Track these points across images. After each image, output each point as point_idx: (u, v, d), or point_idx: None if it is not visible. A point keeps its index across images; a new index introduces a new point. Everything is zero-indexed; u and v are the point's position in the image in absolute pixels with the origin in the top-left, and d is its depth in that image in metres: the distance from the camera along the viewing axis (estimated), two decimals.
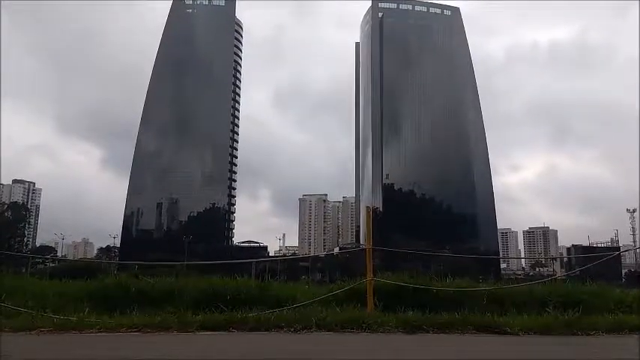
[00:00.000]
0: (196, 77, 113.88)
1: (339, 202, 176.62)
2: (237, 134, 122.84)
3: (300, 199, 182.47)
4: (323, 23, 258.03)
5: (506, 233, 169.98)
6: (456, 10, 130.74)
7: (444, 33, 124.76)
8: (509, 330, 5.42)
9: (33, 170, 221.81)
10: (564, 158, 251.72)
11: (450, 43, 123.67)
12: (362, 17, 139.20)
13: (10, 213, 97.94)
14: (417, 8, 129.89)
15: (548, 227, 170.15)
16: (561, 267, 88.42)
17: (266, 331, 5.18)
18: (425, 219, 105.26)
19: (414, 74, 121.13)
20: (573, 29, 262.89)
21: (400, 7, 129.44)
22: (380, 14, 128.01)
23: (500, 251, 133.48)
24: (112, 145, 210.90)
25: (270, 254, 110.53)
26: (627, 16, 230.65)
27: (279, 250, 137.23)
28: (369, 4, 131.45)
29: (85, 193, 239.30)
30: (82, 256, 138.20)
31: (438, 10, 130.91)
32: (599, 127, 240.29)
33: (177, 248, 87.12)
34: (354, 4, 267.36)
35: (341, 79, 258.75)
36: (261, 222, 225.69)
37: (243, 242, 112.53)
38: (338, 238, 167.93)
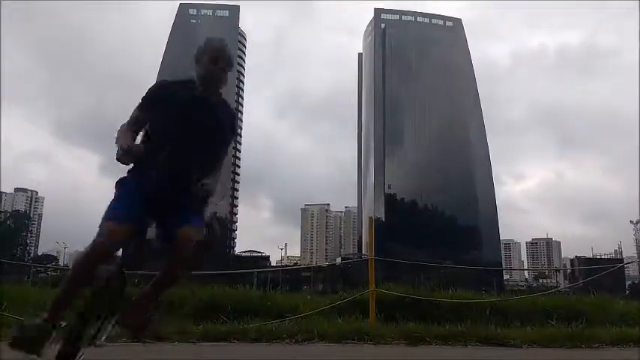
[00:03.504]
0: None
1: (342, 212, 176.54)
2: (240, 143, 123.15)
3: (302, 208, 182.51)
4: (326, 33, 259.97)
5: (509, 244, 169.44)
6: (457, 22, 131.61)
7: (446, 44, 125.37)
8: (512, 342, 5.39)
9: (34, 178, 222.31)
10: (568, 167, 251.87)
11: (452, 54, 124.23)
12: (364, 28, 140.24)
13: (11, 221, 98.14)
14: (419, 19, 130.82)
15: (551, 238, 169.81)
16: (565, 278, 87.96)
17: (267, 342, 5.16)
18: (427, 230, 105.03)
19: (417, 85, 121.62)
20: (582, 33, 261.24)
21: (402, 18, 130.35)
22: (382, 25, 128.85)
23: (503, 262, 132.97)
24: (112, 152, 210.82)
25: (271, 264, 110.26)
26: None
27: (281, 260, 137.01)
28: (372, 15, 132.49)
29: (87, 201, 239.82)
30: None
31: (440, 22, 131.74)
32: (605, 135, 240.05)
33: None
34: (357, 14, 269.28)
35: (344, 88, 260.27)
36: (263, 231, 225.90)
37: (244, 252, 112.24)
38: (340, 248, 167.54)
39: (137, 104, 2.87)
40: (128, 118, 2.84)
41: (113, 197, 2.68)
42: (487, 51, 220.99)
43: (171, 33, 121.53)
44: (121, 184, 2.76)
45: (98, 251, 2.53)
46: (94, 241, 2.51)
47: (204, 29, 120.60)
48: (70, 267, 2.70)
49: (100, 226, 2.52)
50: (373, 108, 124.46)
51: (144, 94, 2.89)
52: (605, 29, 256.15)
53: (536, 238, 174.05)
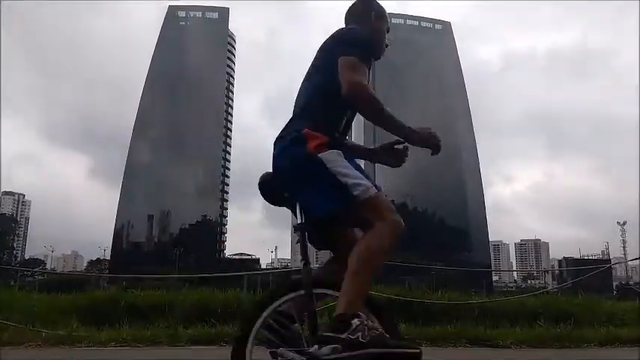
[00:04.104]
0: (189, 89, 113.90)
1: None
2: (230, 145, 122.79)
3: None
4: (316, 35, 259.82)
5: (498, 246, 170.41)
6: (447, 25, 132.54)
7: (435, 47, 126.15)
8: (501, 343, 5.42)
9: (20, 181, 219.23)
10: (557, 169, 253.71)
11: (441, 57, 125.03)
12: None
13: None
14: (409, 22, 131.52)
15: (539, 239, 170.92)
16: (553, 279, 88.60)
17: (257, 345, 5.13)
18: (417, 231, 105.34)
19: (405, 88, 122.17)
20: (574, 35, 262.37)
21: (392, 21, 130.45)
22: None
23: (492, 263, 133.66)
24: (100, 154, 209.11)
25: (262, 267, 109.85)
26: (629, 18, 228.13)
27: (272, 262, 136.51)
28: None
29: (75, 204, 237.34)
30: (72, 269, 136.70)
31: (430, 25, 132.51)
32: (595, 137, 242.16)
33: (168, 261, 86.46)
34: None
35: None
36: (253, 234, 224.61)
37: (234, 254, 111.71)
38: None
39: (358, 56, 2.03)
40: (357, 76, 1.97)
41: (345, 168, 1.94)
42: (478, 53, 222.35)
43: (161, 35, 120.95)
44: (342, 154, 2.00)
45: (399, 232, 1.87)
46: (387, 221, 1.82)
47: (194, 31, 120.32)
48: (371, 252, 1.84)
49: (383, 203, 1.91)
50: None
51: (358, 38, 2.14)
52: (597, 31, 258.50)
53: (524, 240, 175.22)
